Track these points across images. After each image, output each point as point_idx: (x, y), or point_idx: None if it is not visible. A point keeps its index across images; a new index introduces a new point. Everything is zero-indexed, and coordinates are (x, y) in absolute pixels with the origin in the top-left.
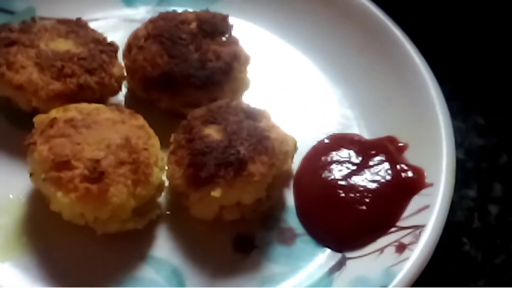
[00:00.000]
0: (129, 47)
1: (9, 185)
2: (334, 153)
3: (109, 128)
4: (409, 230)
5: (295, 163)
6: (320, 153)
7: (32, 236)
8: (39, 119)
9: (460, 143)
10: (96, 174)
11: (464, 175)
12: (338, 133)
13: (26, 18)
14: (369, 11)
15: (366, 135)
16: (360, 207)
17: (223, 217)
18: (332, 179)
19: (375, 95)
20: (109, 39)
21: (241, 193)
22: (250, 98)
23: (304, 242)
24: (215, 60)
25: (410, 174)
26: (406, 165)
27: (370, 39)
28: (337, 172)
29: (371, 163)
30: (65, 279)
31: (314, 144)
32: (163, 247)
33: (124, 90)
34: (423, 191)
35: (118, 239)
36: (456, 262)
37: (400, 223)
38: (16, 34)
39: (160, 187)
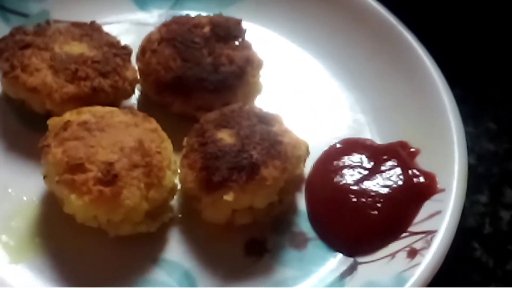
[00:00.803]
0: (142, 51)
1: (23, 187)
2: (346, 157)
3: (122, 131)
4: (420, 236)
5: (307, 167)
6: (332, 158)
7: (45, 238)
8: (53, 122)
9: (472, 148)
10: (110, 177)
11: (475, 180)
12: (350, 138)
13: (40, 21)
14: (381, 16)
15: (378, 140)
16: (372, 212)
17: (235, 221)
18: (343, 183)
19: (387, 100)
20: (122, 43)
21: (253, 197)
22: (262, 102)
23: (315, 246)
24: (228, 64)
25: (421, 179)
26: (418, 170)
27: (382, 44)
28: (349, 176)
29: (383, 168)
30: (77, 282)
31: (326, 149)
32: (175, 250)
33: (137, 93)
34: (435, 197)
35: (130, 242)
36: (468, 267)
37: (411, 229)
38: (30, 37)
39: (172, 190)
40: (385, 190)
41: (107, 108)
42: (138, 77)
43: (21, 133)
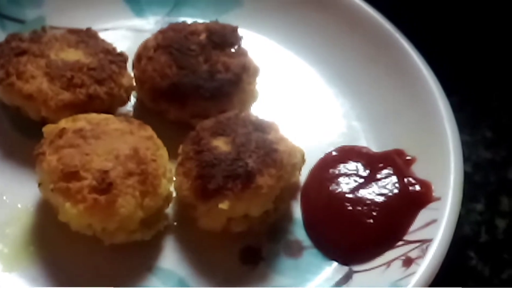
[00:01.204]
0: (138, 58)
1: (18, 194)
2: (341, 165)
3: (117, 139)
4: (416, 244)
5: (303, 175)
6: (327, 166)
7: (40, 246)
8: (48, 129)
9: (468, 156)
10: (105, 185)
11: (471, 188)
12: (346, 145)
13: (36, 27)
14: (377, 23)
15: (374, 148)
16: (367, 221)
17: (231, 229)
18: (339, 192)
19: (383, 107)
20: (118, 49)
21: (248, 206)
22: (258, 109)
23: (311, 254)
24: (224, 72)
25: (417, 187)
26: (414, 178)
27: (378, 51)
28: (345, 185)
29: (378, 176)
30: None
31: (322, 156)
32: (170, 258)
33: (133, 100)
34: (431, 205)
35: (125, 250)
36: (463, 276)
37: (407, 237)
38: (26, 44)
39: (168, 198)
40: (380, 199)
41: (103, 116)
42: (134, 84)
43: (16, 140)
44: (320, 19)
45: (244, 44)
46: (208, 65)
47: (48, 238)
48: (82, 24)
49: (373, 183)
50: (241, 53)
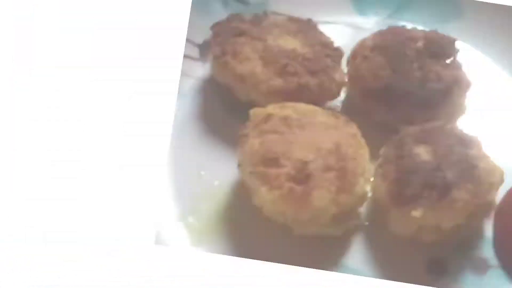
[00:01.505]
0: (354, 55)
1: (216, 172)
2: None
3: (321, 132)
4: None
5: (499, 195)
6: None
7: (230, 225)
8: (255, 112)
9: None
10: (303, 176)
11: None
12: None
13: (258, 10)
14: None
15: None
16: None
17: (420, 237)
18: None
19: None
20: (335, 44)
21: (441, 217)
22: (464, 123)
23: (495, 274)
24: (436, 81)
25: None
26: None
27: None
28: None
29: None
30: None
31: None
32: (357, 257)
33: (342, 96)
34: None
35: (313, 242)
36: None
37: None
38: (246, 25)
39: (362, 197)
40: None
41: (310, 107)
42: (346, 80)
43: (221, 118)
44: None
45: (459, 57)
46: (421, 73)
47: (240, 219)
48: (303, 14)
49: None
50: (455, 65)
